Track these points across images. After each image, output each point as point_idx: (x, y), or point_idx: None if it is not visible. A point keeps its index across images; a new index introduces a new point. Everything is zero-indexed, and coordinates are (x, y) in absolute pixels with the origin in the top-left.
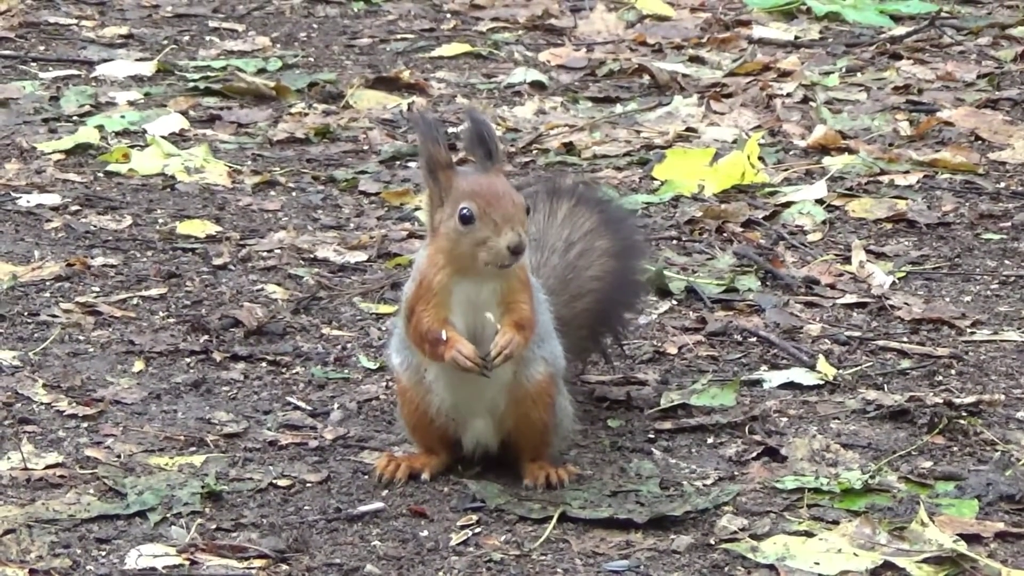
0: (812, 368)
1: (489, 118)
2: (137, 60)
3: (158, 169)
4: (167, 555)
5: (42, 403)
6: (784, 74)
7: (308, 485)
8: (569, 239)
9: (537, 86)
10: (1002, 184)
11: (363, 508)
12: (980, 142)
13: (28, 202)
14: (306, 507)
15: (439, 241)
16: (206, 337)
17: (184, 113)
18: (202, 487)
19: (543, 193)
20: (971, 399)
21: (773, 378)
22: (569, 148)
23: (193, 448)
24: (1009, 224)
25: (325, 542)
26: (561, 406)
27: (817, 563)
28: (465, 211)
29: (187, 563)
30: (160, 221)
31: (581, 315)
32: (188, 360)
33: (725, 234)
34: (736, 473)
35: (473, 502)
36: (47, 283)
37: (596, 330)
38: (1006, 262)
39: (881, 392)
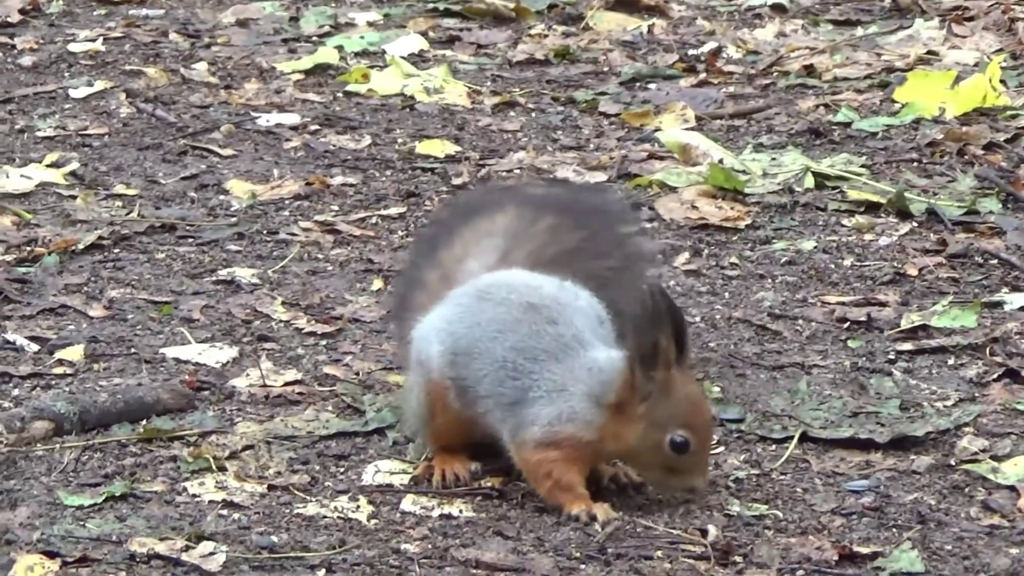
0: None
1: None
2: None
3: (397, 89)
4: (404, 472)
5: (281, 320)
6: None
7: None
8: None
9: (778, 8)
10: None
11: None
12: None
13: (268, 121)
14: None
15: (625, 428)
16: None
17: (424, 34)
18: None
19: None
20: None
21: (1014, 300)
22: (810, 70)
23: None
24: None
25: None
26: None
27: None
28: (680, 439)
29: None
30: (399, 141)
31: None
32: None
33: (966, 156)
34: (977, 394)
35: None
36: (286, 202)
37: None
38: None
39: None
